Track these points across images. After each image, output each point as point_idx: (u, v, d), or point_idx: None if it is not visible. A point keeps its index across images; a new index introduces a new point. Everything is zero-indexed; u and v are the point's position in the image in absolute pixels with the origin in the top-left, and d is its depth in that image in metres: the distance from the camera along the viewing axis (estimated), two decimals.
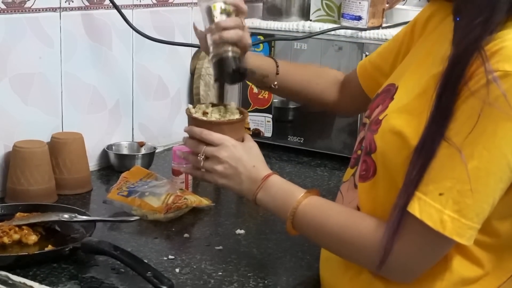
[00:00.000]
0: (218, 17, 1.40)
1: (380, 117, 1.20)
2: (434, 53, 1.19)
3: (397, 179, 1.14)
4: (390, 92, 1.25)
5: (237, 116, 1.41)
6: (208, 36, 1.41)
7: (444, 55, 1.10)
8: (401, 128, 1.14)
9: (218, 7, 1.40)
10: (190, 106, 1.43)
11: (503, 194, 1.10)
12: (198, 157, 1.35)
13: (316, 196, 1.27)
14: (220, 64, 1.39)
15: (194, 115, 1.39)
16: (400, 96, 1.21)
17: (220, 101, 1.51)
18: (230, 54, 1.39)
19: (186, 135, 1.41)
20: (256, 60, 1.53)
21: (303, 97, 1.62)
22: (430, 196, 1.07)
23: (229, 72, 1.38)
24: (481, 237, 1.13)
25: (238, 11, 1.42)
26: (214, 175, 1.35)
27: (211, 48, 1.40)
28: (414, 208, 1.08)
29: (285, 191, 1.29)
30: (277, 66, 1.55)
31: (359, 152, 1.29)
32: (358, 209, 1.24)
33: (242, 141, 1.37)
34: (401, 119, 1.16)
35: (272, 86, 1.56)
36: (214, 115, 1.40)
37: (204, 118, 1.38)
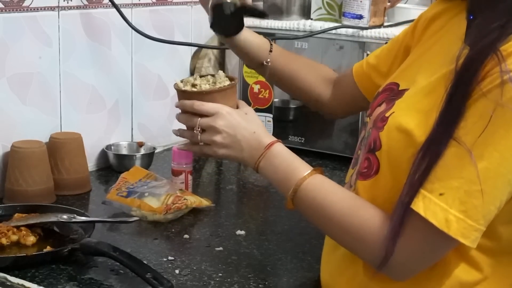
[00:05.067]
0: None
1: (387, 115, 1.18)
2: (444, 51, 1.17)
3: (400, 178, 1.12)
4: (393, 90, 1.23)
5: (227, 83, 1.36)
6: None
7: (456, 54, 1.08)
8: (408, 125, 1.13)
9: None
10: (178, 80, 1.38)
11: (510, 198, 1.09)
12: (194, 131, 1.31)
13: (321, 176, 1.24)
14: (217, 8, 1.36)
15: (183, 88, 1.35)
16: (409, 94, 1.19)
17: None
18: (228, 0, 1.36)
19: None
20: (250, 35, 1.51)
21: (291, 84, 1.58)
22: (435, 194, 1.06)
23: (228, 13, 1.35)
24: (482, 241, 1.11)
25: None
26: (213, 147, 1.30)
27: None
28: (419, 206, 1.07)
29: (289, 164, 1.25)
30: (271, 45, 1.53)
31: (359, 152, 1.27)
32: None
33: (237, 108, 1.34)
34: (408, 117, 1.14)
35: (265, 63, 1.53)
36: (203, 86, 1.35)
37: (194, 89, 1.33)
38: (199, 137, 1.31)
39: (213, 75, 1.38)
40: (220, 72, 1.40)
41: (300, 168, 1.24)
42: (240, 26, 1.41)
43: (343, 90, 1.53)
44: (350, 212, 1.17)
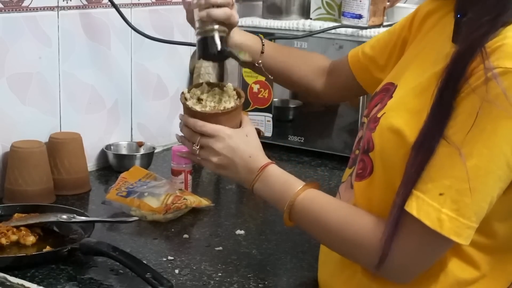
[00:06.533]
0: None
1: (379, 115, 1.19)
2: (436, 51, 1.18)
3: (394, 178, 1.13)
4: (389, 91, 1.24)
5: (233, 98, 1.37)
6: (195, 11, 1.38)
7: (448, 53, 1.09)
8: (399, 126, 1.13)
9: None
10: (185, 90, 1.39)
11: (504, 195, 1.09)
12: (193, 147, 1.33)
13: (315, 190, 1.25)
14: (204, 42, 1.36)
15: (188, 103, 1.35)
16: (400, 94, 1.20)
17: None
18: (216, 34, 1.35)
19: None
20: (241, 36, 1.51)
21: (286, 79, 1.59)
22: (428, 195, 1.06)
23: (214, 52, 1.35)
24: (478, 238, 1.12)
25: None
26: (210, 165, 1.33)
27: (197, 24, 1.37)
28: (412, 207, 1.07)
29: (283, 182, 1.27)
30: (263, 45, 1.53)
31: (356, 152, 1.27)
32: None
33: (240, 125, 1.35)
34: (399, 117, 1.14)
35: (256, 64, 1.53)
36: (208, 103, 1.36)
37: (198, 109, 1.34)
38: (197, 152, 1.33)
39: (221, 87, 1.39)
40: (229, 84, 1.40)
41: (294, 184, 1.26)
42: (227, 55, 1.40)
43: (338, 78, 1.54)
44: (346, 220, 1.18)
